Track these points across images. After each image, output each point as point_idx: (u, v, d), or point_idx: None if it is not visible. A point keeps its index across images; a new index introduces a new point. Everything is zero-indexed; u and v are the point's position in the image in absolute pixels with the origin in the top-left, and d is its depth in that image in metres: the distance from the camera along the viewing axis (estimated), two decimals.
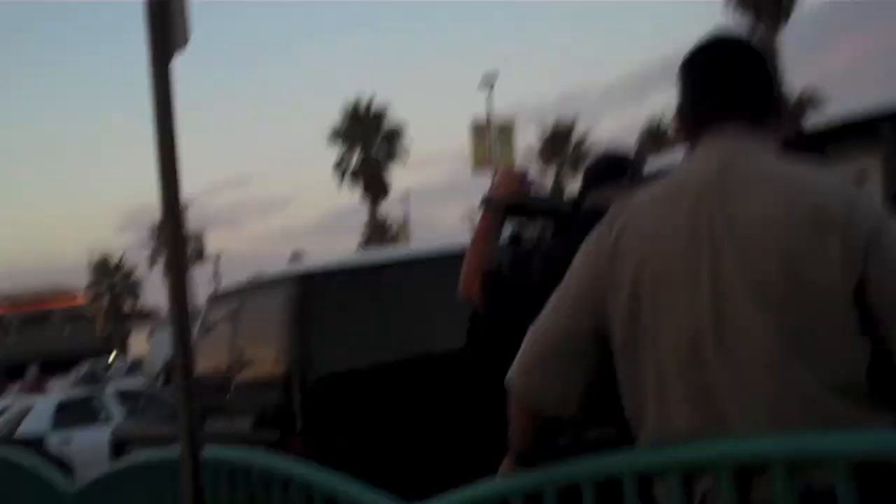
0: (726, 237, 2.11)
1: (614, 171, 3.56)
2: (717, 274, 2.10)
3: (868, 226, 2.05)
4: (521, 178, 3.79)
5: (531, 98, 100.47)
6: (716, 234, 2.12)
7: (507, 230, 4.07)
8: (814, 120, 2.76)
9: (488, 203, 3.71)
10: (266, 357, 6.18)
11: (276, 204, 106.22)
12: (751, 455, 2.01)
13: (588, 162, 3.81)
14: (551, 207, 4.08)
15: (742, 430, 2.06)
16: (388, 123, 55.36)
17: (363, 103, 55.23)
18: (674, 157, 3.93)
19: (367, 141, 54.51)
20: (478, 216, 3.84)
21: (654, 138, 48.91)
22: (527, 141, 54.38)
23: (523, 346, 2.37)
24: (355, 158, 54.89)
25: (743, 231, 2.10)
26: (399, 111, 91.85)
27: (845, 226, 2.04)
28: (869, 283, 2.03)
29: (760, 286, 2.06)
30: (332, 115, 67.41)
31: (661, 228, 2.20)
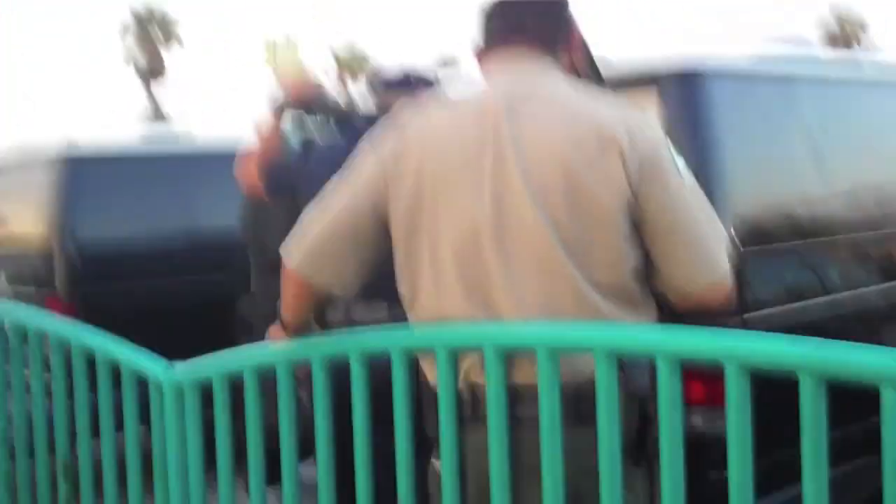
0: (511, 146, 2.19)
1: (405, 82, 3.62)
2: (501, 178, 2.19)
3: (646, 149, 2.16)
4: (310, 81, 3.86)
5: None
6: (501, 142, 2.20)
7: (296, 132, 4.11)
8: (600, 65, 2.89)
9: (277, 102, 3.77)
10: (31, 229, 6.29)
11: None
12: (517, 338, 2.12)
13: (380, 73, 3.84)
14: (338, 107, 4.13)
15: (511, 318, 2.18)
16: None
17: None
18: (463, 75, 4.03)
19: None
20: (263, 115, 3.87)
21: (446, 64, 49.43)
22: (318, 60, 54.26)
23: (303, 223, 2.40)
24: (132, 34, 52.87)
25: (527, 142, 2.19)
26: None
27: (625, 147, 2.14)
28: (639, 202, 2.16)
29: (541, 193, 2.16)
30: None
31: (448, 132, 2.26)
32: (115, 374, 2.97)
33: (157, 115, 50.28)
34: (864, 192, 4.08)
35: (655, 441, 2.04)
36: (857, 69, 4.52)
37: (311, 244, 2.36)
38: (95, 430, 3.07)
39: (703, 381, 3.20)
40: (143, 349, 2.95)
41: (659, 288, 2.25)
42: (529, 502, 2.11)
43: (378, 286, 2.92)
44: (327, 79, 51.24)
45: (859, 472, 3.66)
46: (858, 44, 44.39)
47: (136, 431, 2.96)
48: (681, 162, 2.22)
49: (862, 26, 46.69)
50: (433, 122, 2.30)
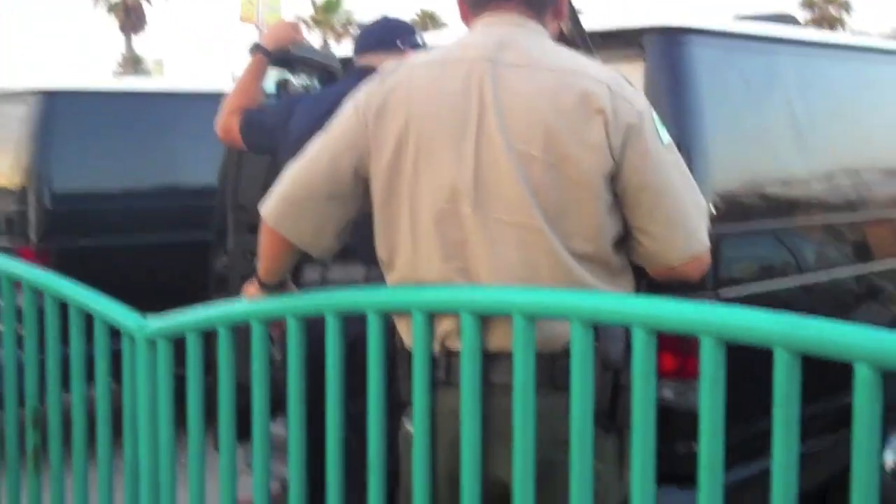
0: (495, 107, 2.18)
1: (390, 35, 3.58)
2: (483, 139, 2.18)
3: (630, 117, 2.16)
4: (292, 28, 3.81)
5: None
6: (486, 103, 2.19)
7: (275, 78, 4.07)
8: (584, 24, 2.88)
9: (257, 47, 3.71)
10: (5, 171, 6.13)
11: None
12: (493, 303, 2.12)
13: (364, 25, 3.81)
14: (320, 60, 4.08)
15: (488, 282, 2.18)
16: None
17: None
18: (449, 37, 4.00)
19: None
20: (245, 63, 3.82)
21: (429, 19, 49.28)
22: (296, 9, 53.46)
23: (282, 180, 2.38)
24: None
25: (511, 106, 2.17)
26: None
27: (609, 113, 2.13)
28: (622, 171, 2.16)
29: (523, 158, 2.15)
30: None
31: (432, 90, 2.24)
32: (88, 326, 2.95)
33: (138, 68, 49.74)
34: (844, 173, 4.09)
35: (627, 411, 2.05)
36: (847, 39, 4.50)
37: (290, 201, 2.34)
38: (66, 383, 3.05)
39: (674, 354, 3.21)
40: (117, 301, 2.94)
41: (637, 259, 2.26)
42: (500, 468, 2.12)
43: (356, 248, 2.91)
44: (309, 33, 50.75)
45: (829, 447, 3.70)
46: (843, 27, 44.50)
47: (107, 382, 2.94)
48: (664, 133, 2.22)
49: (846, 8, 46.78)
50: (418, 81, 2.27)
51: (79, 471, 3.02)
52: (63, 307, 3.01)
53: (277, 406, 2.90)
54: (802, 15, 44.25)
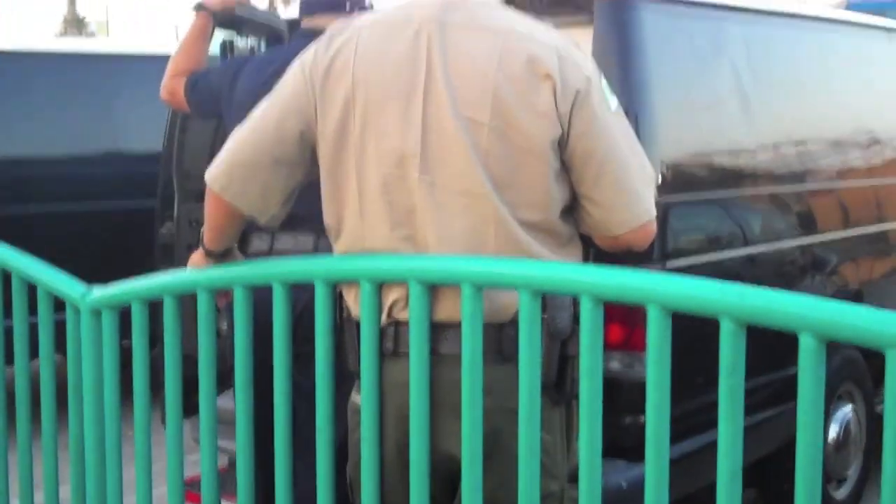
0: (442, 70, 2.16)
1: (338, 4, 3.54)
2: (431, 103, 2.16)
3: (578, 84, 2.14)
4: None
5: None
6: (433, 67, 2.16)
7: (219, 40, 4.00)
8: None
9: (201, 6, 3.65)
10: None
11: None
12: (442, 272, 2.11)
13: None
14: (265, 22, 4.03)
15: (436, 251, 2.17)
16: None
17: None
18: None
19: None
20: (187, 24, 3.76)
21: None
22: None
23: (227, 145, 2.35)
24: None
25: (459, 67, 2.16)
26: None
27: (557, 79, 2.12)
28: (569, 138, 2.15)
29: (470, 124, 2.13)
30: None
31: (379, 53, 2.22)
32: (31, 297, 2.90)
33: (82, 29, 48.86)
34: (791, 144, 4.11)
35: (575, 381, 2.05)
36: (796, 8, 4.51)
37: (235, 166, 2.31)
38: (9, 356, 3.00)
39: (621, 325, 3.23)
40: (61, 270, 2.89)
41: (585, 228, 2.25)
42: (448, 439, 2.12)
43: (305, 216, 2.89)
44: None
45: (774, 420, 3.74)
46: None
47: (51, 354, 2.90)
48: (613, 99, 2.21)
49: None
50: (365, 43, 2.24)
51: (23, 445, 2.97)
52: (5, 277, 2.96)
53: (225, 378, 2.88)
54: None
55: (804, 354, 1.61)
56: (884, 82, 4.86)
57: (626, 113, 2.29)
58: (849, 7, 9.18)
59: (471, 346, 2.00)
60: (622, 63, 3.38)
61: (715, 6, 3.87)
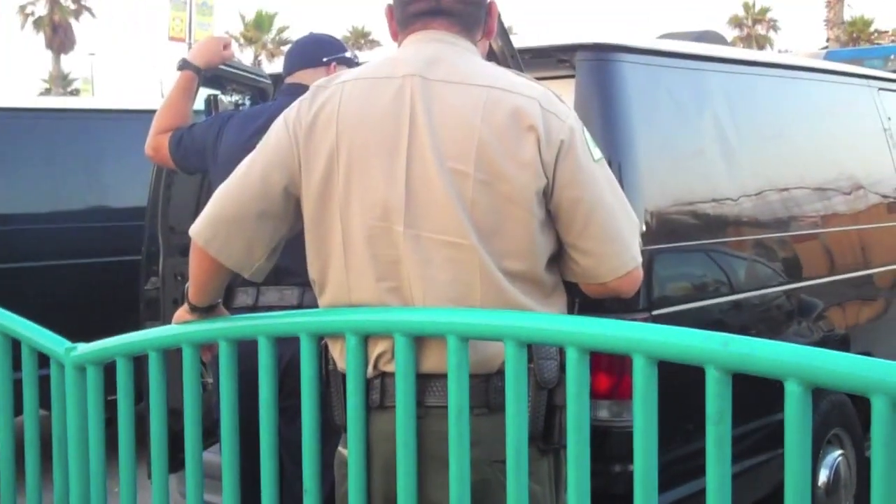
0: (427, 124, 2.17)
1: (318, 52, 3.57)
2: (415, 156, 2.17)
3: (561, 132, 2.16)
4: (222, 44, 3.77)
5: None
6: (416, 120, 2.18)
7: (203, 95, 4.02)
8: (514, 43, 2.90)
9: (186, 63, 3.66)
10: None
11: None
12: (427, 324, 2.10)
13: (293, 43, 3.78)
14: (251, 78, 4.06)
15: (421, 302, 2.17)
16: None
17: None
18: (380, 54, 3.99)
19: None
20: (172, 79, 3.77)
21: (359, 36, 49.29)
22: (227, 27, 53.00)
23: (212, 200, 2.36)
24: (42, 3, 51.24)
25: (443, 120, 2.17)
26: None
27: (540, 130, 2.14)
28: (554, 187, 2.16)
29: (455, 174, 2.14)
30: None
31: (362, 107, 2.23)
32: (15, 353, 2.89)
33: (66, 86, 49.02)
34: (773, 191, 4.14)
35: (562, 431, 2.05)
36: (775, 57, 4.55)
37: (219, 220, 2.32)
38: None
39: (608, 374, 3.22)
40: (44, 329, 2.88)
41: (571, 276, 2.26)
42: (436, 491, 2.10)
43: (290, 270, 2.89)
44: (241, 51, 50.23)
45: (762, 467, 3.73)
46: (771, 46, 45.16)
47: (36, 410, 2.88)
48: (596, 149, 2.23)
49: (774, 27, 47.45)
50: (348, 97, 2.25)
51: (7, 501, 2.95)
52: None
53: (211, 432, 2.86)
54: (731, 33, 44.86)
55: (790, 401, 1.61)
56: (863, 129, 4.91)
57: (610, 164, 2.31)
58: (827, 56, 9.31)
59: (457, 398, 2.00)
60: (604, 115, 3.41)
61: (695, 57, 3.91)
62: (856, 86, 4.97)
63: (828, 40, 31.32)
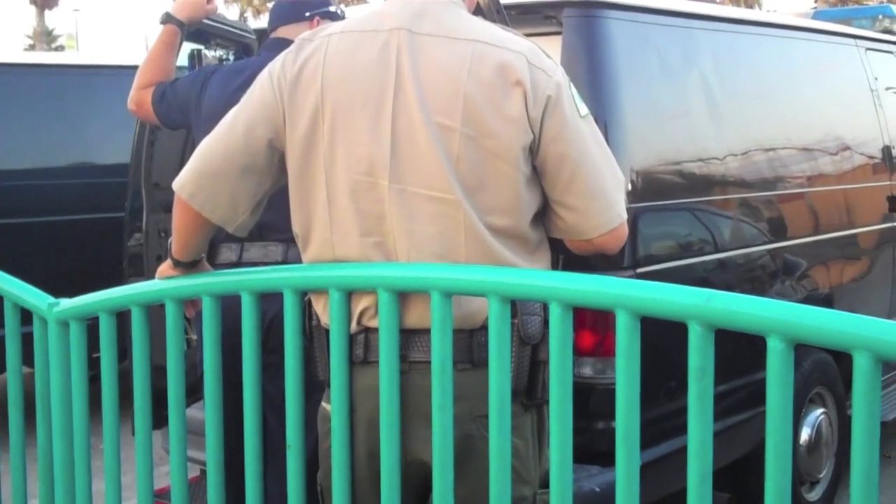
0: (413, 78, 2.15)
1: (303, 7, 3.53)
2: (401, 111, 2.15)
3: (548, 88, 2.15)
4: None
5: None
6: (402, 75, 2.16)
7: (187, 50, 3.98)
8: None
9: (169, 17, 3.62)
10: None
11: None
12: (411, 280, 2.10)
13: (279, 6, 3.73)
14: (235, 33, 4.02)
15: (406, 258, 2.16)
16: None
17: None
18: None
19: None
20: (156, 34, 3.73)
21: None
22: None
23: (196, 153, 2.34)
24: None
25: (429, 74, 2.15)
26: None
27: (527, 85, 2.13)
28: (540, 143, 2.15)
29: (441, 129, 2.13)
30: None
31: (348, 61, 2.21)
32: None
33: (51, 42, 48.60)
34: (759, 150, 4.14)
35: (545, 387, 2.05)
36: (762, 16, 4.53)
37: (203, 174, 2.30)
38: None
39: (592, 331, 3.23)
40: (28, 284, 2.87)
41: (556, 233, 2.25)
42: (419, 445, 2.11)
43: (274, 226, 2.87)
44: (226, 7, 49.74)
45: (744, 425, 3.75)
46: (759, 6, 45.02)
47: (19, 366, 2.87)
48: (582, 105, 2.21)
49: None
50: (333, 51, 2.23)
51: None
52: None
53: (195, 389, 2.85)
54: None
55: (772, 357, 1.61)
56: (850, 89, 4.90)
57: (596, 120, 2.30)
58: (816, 17, 9.27)
59: (440, 353, 2.00)
60: (591, 71, 3.40)
61: (683, 15, 3.90)
62: (843, 45, 4.96)
63: (816, 1, 31.22)
